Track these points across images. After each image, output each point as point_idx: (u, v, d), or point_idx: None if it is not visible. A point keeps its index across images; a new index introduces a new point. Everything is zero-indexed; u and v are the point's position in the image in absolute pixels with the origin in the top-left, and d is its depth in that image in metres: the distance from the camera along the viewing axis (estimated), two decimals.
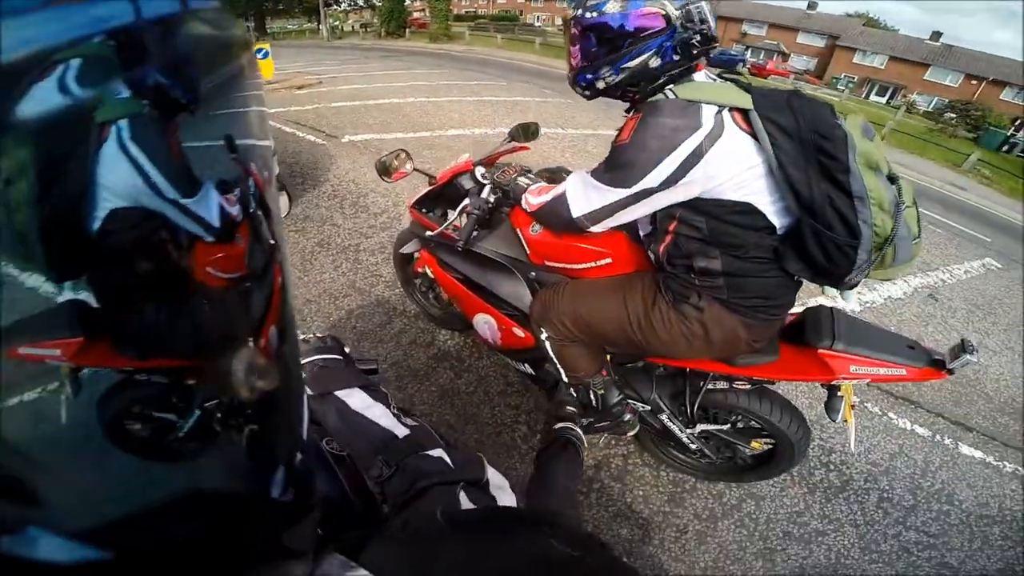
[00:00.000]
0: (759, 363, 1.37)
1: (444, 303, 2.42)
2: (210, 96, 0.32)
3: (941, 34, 35.34)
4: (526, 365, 1.80)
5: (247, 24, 46.19)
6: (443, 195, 1.88)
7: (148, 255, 0.28)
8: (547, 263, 1.54)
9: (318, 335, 0.79)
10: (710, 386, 1.54)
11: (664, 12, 1.12)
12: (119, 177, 0.25)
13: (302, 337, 0.83)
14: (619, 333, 1.36)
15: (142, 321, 0.28)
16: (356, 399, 0.64)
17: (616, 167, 1.15)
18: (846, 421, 1.37)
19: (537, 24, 45.58)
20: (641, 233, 1.34)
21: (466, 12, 51.55)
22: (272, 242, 0.37)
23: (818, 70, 37.72)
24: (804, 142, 1.05)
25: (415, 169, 1.89)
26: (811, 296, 3.25)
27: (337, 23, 37.76)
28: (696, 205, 1.15)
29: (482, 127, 6.30)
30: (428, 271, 2.04)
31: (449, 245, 1.78)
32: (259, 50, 9.53)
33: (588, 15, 1.17)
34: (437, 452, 0.60)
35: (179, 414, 0.31)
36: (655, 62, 1.15)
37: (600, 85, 1.23)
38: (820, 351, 1.31)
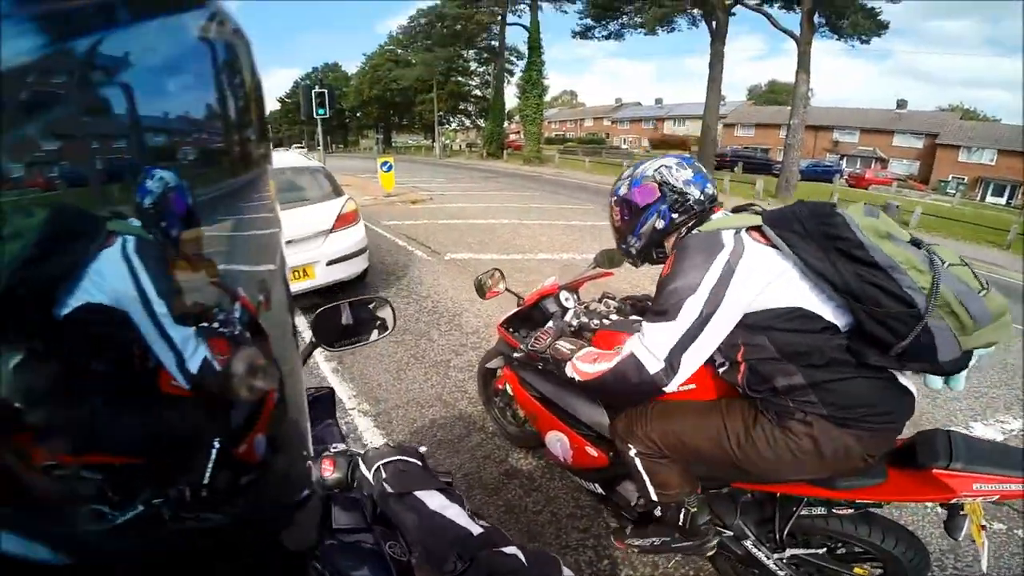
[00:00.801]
0: (864, 485, 1.30)
1: (520, 421, 2.52)
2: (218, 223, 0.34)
3: None
4: (596, 485, 1.80)
5: (377, 136, 54.08)
6: (530, 316, 2.02)
7: (106, 352, 0.28)
8: None
9: (391, 444, 0.83)
10: (804, 512, 1.47)
11: (654, 184, 1.41)
12: (109, 278, 0.26)
13: (383, 442, 0.88)
14: (714, 451, 1.35)
15: (81, 411, 0.28)
16: (434, 500, 0.66)
17: (664, 299, 1.26)
18: (975, 541, 1.27)
19: (623, 146, 48.76)
20: (720, 371, 1.39)
21: (556, 135, 56.62)
22: (260, 363, 0.36)
23: (922, 174, 35.42)
24: (813, 235, 1.17)
25: (507, 289, 2.10)
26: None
27: (448, 141, 43.27)
28: (751, 324, 1.23)
29: (569, 252, 6.84)
30: (508, 388, 2.14)
31: (530, 364, 1.83)
32: (384, 163, 11.32)
33: (613, 198, 1.53)
34: (511, 549, 0.60)
35: (115, 507, 0.29)
36: (660, 224, 1.43)
37: (633, 251, 1.52)
38: (935, 471, 1.23)
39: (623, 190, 1.50)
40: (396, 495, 0.67)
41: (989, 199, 31.76)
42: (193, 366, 0.30)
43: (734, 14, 20.00)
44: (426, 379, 3.45)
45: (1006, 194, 31.90)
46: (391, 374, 3.49)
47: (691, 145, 43.00)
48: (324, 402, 1.16)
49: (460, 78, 42.09)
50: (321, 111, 14.96)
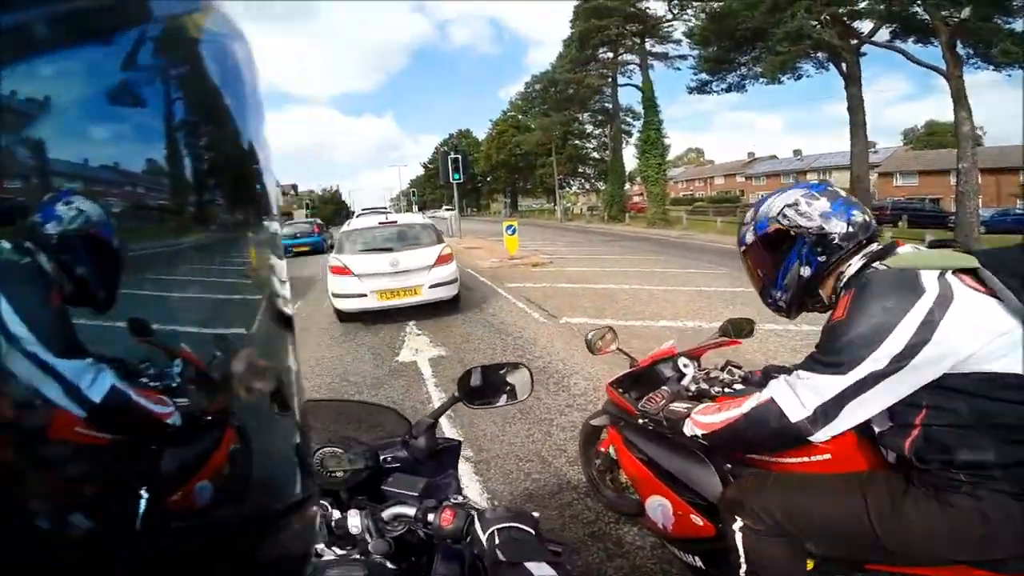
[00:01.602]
0: None
1: (620, 486, 2.44)
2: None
3: None
4: (697, 559, 1.69)
5: (505, 200, 57.59)
6: (642, 378, 1.92)
7: None
8: (748, 455, 1.46)
9: (508, 508, 0.84)
10: None
11: (782, 226, 1.22)
12: None
13: (495, 504, 0.99)
14: (850, 528, 1.16)
15: None
16: (542, 572, 0.66)
17: (833, 349, 1.06)
18: None
19: None
20: (876, 429, 1.17)
21: (684, 195, 55.27)
22: (209, 418, 0.34)
23: None
24: None
25: (618, 349, 2.07)
26: None
27: (569, 204, 44.80)
28: (949, 386, 1.02)
29: (695, 319, 6.51)
30: (612, 451, 2.08)
31: (639, 426, 1.76)
32: (509, 227, 12.14)
33: (741, 248, 1.37)
34: None
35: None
36: (806, 271, 1.22)
37: (782, 304, 1.32)
38: None
39: (749, 237, 1.33)
40: (508, 563, 0.68)
41: None
42: (96, 396, 0.26)
43: (864, 54, 18.44)
44: (528, 434, 3.60)
45: None
46: (496, 426, 3.70)
47: None
48: (450, 453, 1.19)
49: (577, 141, 43.39)
50: (456, 176, 15.93)
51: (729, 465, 1.54)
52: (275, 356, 0.38)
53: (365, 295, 6.48)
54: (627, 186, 35.17)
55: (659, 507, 1.72)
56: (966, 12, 13.86)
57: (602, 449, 2.38)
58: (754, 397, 1.21)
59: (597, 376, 4.64)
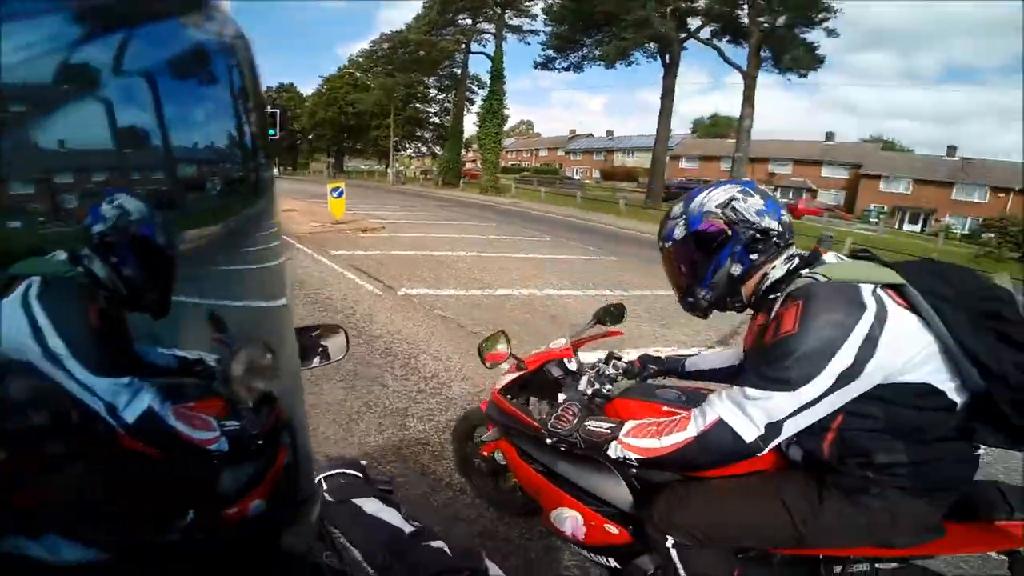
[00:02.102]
0: (925, 541, 1.24)
1: (506, 489, 2.33)
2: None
3: (956, 148, 34.97)
4: (611, 560, 1.66)
5: (329, 160, 53.02)
6: (531, 382, 1.86)
7: (21, 410, 0.25)
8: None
9: (331, 456, 0.82)
10: (851, 570, 1.37)
11: (722, 221, 1.19)
12: (5, 332, 0.24)
13: (319, 455, 0.92)
14: (774, 532, 1.22)
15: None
16: (370, 505, 0.69)
17: (783, 366, 1.05)
18: None
19: (576, 176, 50.22)
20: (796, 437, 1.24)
21: (512, 165, 57.64)
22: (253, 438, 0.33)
23: (847, 203, 37.26)
24: (969, 309, 1.03)
25: (511, 354, 1.87)
26: None
27: (402, 168, 43.00)
28: (870, 395, 1.07)
29: (529, 287, 6.63)
30: (499, 456, 2.00)
31: (535, 437, 1.68)
32: (335, 189, 10.83)
33: (667, 244, 1.30)
34: (438, 543, 0.65)
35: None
36: (737, 269, 1.21)
37: (704, 304, 1.30)
38: (997, 523, 1.21)
39: (679, 232, 1.26)
40: (335, 503, 0.70)
41: (906, 226, 34.53)
42: (130, 417, 0.26)
43: (686, 48, 21.16)
44: (380, 431, 3.08)
45: (920, 221, 34.88)
46: (340, 425, 3.10)
47: (639, 176, 44.87)
48: None
49: (419, 105, 42.21)
50: (272, 132, 15.16)
51: (635, 469, 1.46)
52: (286, 362, 0.38)
53: None
54: (463, 153, 34.98)
55: (568, 518, 1.68)
56: (782, 20, 16.37)
57: (485, 453, 2.22)
58: (694, 418, 1.16)
59: (447, 355, 4.25)
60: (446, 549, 0.64)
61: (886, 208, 35.43)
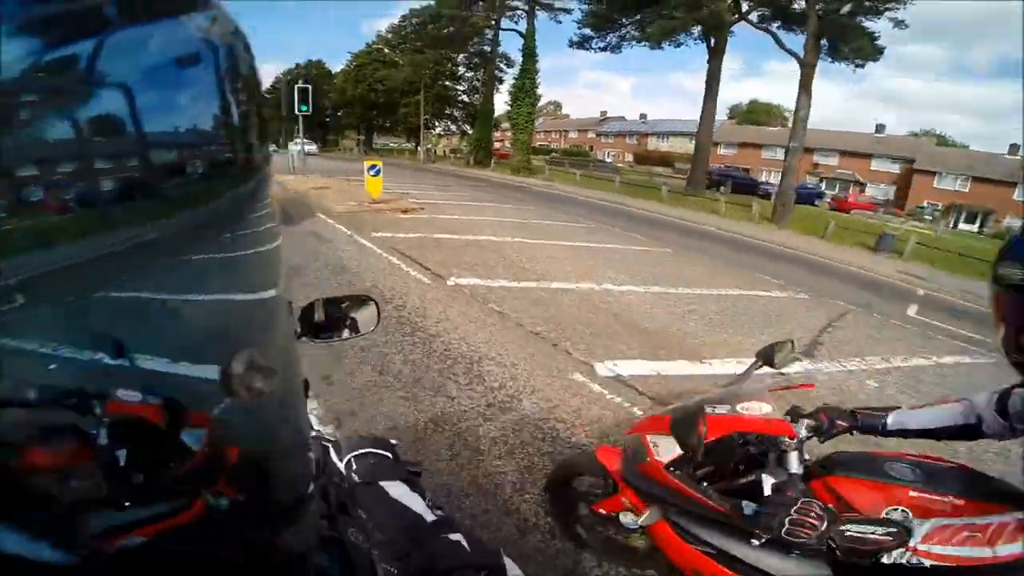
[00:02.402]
0: None
1: (628, 548, 1.95)
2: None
3: (1019, 147, 32.57)
4: None
5: (359, 137, 52.95)
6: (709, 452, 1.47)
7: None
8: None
9: (364, 435, 0.85)
10: None
11: None
12: None
13: (352, 434, 0.91)
14: None
15: None
16: (396, 489, 0.69)
17: None
18: None
19: (607, 160, 48.93)
20: None
21: (540, 145, 56.41)
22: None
23: (898, 199, 35.65)
24: None
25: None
26: None
27: (431, 146, 42.42)
28: None
29: (585, 280, 6.11)
30: (627, 519, 1.71)
31: (707, 517, 1.42)
32: (372, 167, 10.39)
33: (1012, 281, 0.99)
34: (456, 536, 0.66)
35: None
36: None
37: None
38: None
39: None
40: (362, 484, 0.70)
41: (962, 226, 32.48)
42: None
43: (733, 33, 19.90)
44: (453, 455, 2.66)
45: (977, 221, 32.72)
46: (408, 445, 2.65)
47: (674, 161, 43.55)
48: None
49: (448, 82, 41.48)
50: (304, 107, 14.81)
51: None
52: (285, 357, 0.38)
53: None
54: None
55: None
56: (847, 7, 15.12)
57: (603, 511, 1.88)
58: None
59: (510, 358, 3.79)
60: (464, 543, 0.65)
61: (940, 205, 33.50)
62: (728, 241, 11.24)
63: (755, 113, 59.17)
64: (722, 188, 24.55)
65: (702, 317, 5.31)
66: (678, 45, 21.81)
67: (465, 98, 43.34)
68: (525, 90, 24.48)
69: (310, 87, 15.67)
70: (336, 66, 54.30)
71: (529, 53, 24.69)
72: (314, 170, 19.06)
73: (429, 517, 0.66)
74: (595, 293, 5.67)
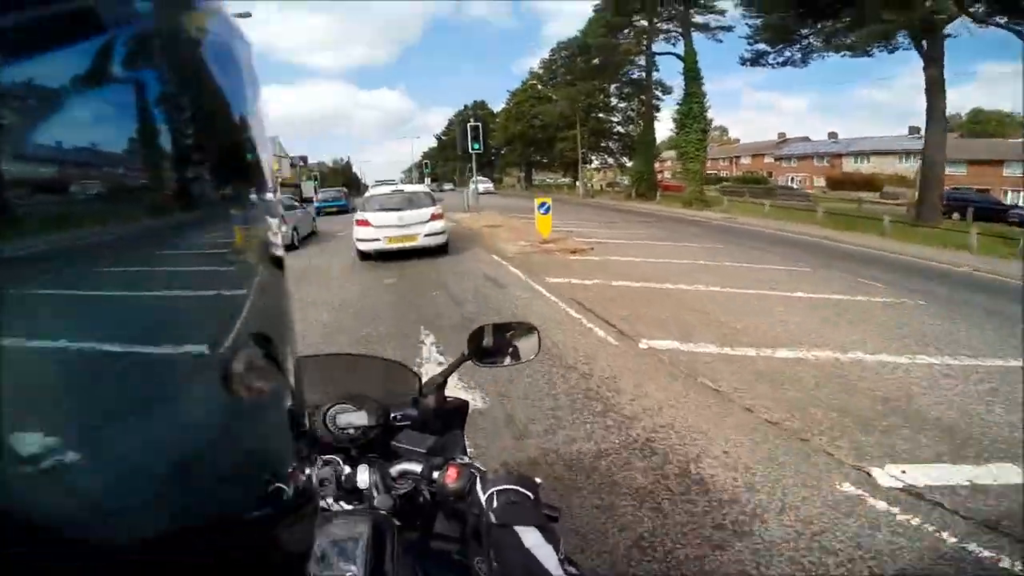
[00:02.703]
0: None
1: None
2: None
3: None
4: None
5: (519, 174, 55.87)
6: None
7: None
8: None
9: (511, 470, 0.90)
10: None
11: None
12: None
13: (498, 467, 0.87)
14: None
15: None
16: (530, 537, 0.67)
17: None
18: None
19: (793, 185, 43.27)
20: None
21: (708, 174, 52.35)
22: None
23: None
24: None
25: None
26: None
27: (587, 180, 42.48)
28: None
29: (821, 347, 4.66)
30: None
31: None
32: (542, 205, 10.22)
33: None
34: None
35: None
36: None
37: None
38: None
39: None
40: (498, 526, 0.70)
41: None
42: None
43: (948, 34, 16.09)
44: None
45: None
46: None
47: (881, 184, 36.36)
48: (458, 413, 1.19)
49: (601, 115, 41.24)
50: (476, 146, 15.67)
51: None
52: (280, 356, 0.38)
53: (379, 240, 9.21)
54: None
55: None
56: None
57: None
58: None
59: (741, 459, 2.81)
60: None
61: None
62: (1008, 292, 8.29)
63: (984, 123, 47.91)
64: (955, 215, 19.37)
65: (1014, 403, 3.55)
66: (893, 50, 18.47)
67: (620, 129, 42.61)
68: (693, 115, 22.63)
69: (480, 125, 16.34)
70: (496, 106, 58.38)
71: (692, 75, 22.88)
72: (487, 206, 20.12)
73: (558, 575, 0.62)
74: (843, 366, 4.25)
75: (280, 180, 42.27)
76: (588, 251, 9.73)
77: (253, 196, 0.34)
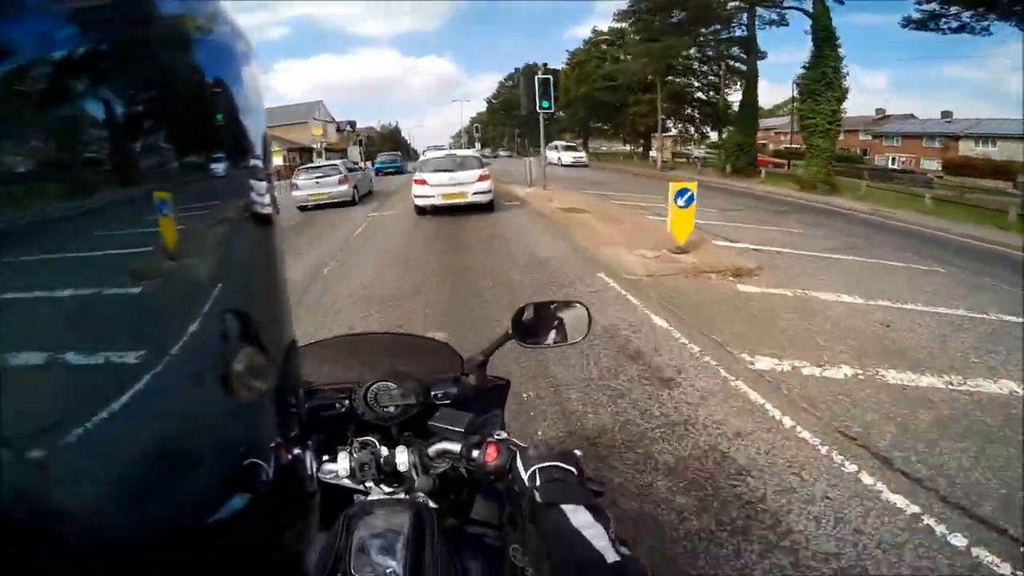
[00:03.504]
0: None
1: None
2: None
3: None
4: None
5: (576, 141, 51.45)
6: None
7: None
8: None
9: (551, 446, 0.77)
10: None
11: None
12: None
13: (539, 442, 0.86)
14: None
15: None
16: (578, 516, 0.63)
17: None
18: None
19: (894, 166, 37.12)
20: None
21: (785, 148, 46.13)
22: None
23: None
24: None
25: None
26: None
27: (661, 150, 37.39)
28: None
29: None
30: None
31: None
32: (682, 192, 6.43)
33: None
34: None
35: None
36: None
37: None
38: None
39: None
40: (544, 505, 0.66)
41: None
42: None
43: None
44: None
45: None
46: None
47: (1016, 172, 29.94)
48: (499, 392, 1.16)
49: (680, 78, 36.03)
50: (545, 104, 13.56)
51: None
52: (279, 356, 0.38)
53: (434, 196, 10.38)
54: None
55: None
56: None
57: None
58: None
59: None
60: None
61: None
62: None
63: None
64: None
65: None
66: None
67: (701, 95, 37.46)
68: (828, 82, 17.62)
69: (551, 78, 14.00)
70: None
71: (826, 35, 17.71)
72: (554, 178, 16.38)
73: (611, 556, 0.58)
74: None
75: (325, 145, 42.65)
76: (756, 273, 5.98)
77: (220, 165, 0.32)
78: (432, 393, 0.99)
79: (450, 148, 19.72)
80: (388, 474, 0.83)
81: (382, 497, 0.81)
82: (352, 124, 65.53)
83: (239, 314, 0.33)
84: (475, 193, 10.38)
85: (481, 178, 10.48)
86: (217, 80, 0.31)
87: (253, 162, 0.35)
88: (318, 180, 13.89)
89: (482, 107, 74.94)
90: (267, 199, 0.36)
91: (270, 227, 0.37)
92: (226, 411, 0.32)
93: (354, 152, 38.98)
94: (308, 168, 15.41)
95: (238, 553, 0.32)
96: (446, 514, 0.82)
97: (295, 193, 13.76)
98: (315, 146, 42.65)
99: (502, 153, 45.97)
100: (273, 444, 0.31)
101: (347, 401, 0.95)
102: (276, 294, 0.38)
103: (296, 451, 0.34)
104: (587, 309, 1.10)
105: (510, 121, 56.79)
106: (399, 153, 29.99)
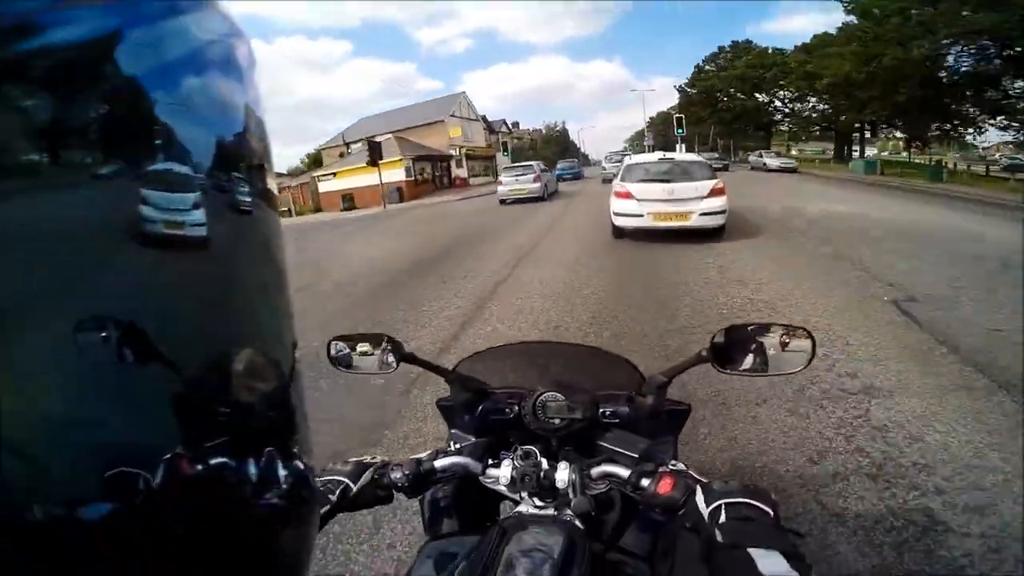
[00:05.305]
0: None
1: None
2: None
3: None
4: None
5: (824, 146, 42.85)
6: None
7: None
8: None
9: (743, 483, 0.68)
10: None
11: None
12: None
13: (726, 479, 0.72)
14: None
15: None
16: (771, 563, 0.54)
17: None
18: None
19: None
20: None
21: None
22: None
23: None
24: None
25: None
26: None
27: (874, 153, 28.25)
28: None
29: None
30: None
31: None
32: None
33: None
34: None
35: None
36: None
37: None
38: None
39: None
40: (727, 545, 0.58)
41: None
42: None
43: None
44: None
45: None
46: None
47: None
48: (676, 417, 1.06)
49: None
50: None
51: None
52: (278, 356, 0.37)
53: (642, 215, 7.58)
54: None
55: None
56: None
57: None
58: None
59: None
60: None
61: None
62: None
63: None
64: None
65: None
66: None
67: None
68: None
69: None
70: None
71: None
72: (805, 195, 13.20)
73: None
74: None
75: (465, 151, 36.62)
76: None
77: (183, 168, 0.30)
78: (600, 410, 0.96)
79: (627, 152, 17.32)
80: (543, 488, 0.81)
81: (537, 512, 0.81)
82: (514, 124, 59.74)
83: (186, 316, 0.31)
84: (703, 214, 7.35)
85: (713, 192, 7.42)
86: (211, 81, 0.30)
87: (247, 164, 0.33)
88: (517, 177, 17.85)
89: (660, 106, 67.37)
90: (258, 208, 0.34)
91: (268, 231, 0.35)
92: (102, 415, 0.27)
93: (503, 159, 34.98)
94: (508, 168, 19.53)
95: (237, 551, 0.31)
96: (592, 536, 0.79)
97: (499, 188, 17.83)
98: (452, 152, 35.01)
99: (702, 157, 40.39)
100: (170, 455, 0.28)
101: (516, 407, 0.96)
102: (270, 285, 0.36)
103: (217, 459, 0.30)
104: (811, 336, 0.88)
105: (710, 116, 47.09)
106: (576, 160, 31.18)
